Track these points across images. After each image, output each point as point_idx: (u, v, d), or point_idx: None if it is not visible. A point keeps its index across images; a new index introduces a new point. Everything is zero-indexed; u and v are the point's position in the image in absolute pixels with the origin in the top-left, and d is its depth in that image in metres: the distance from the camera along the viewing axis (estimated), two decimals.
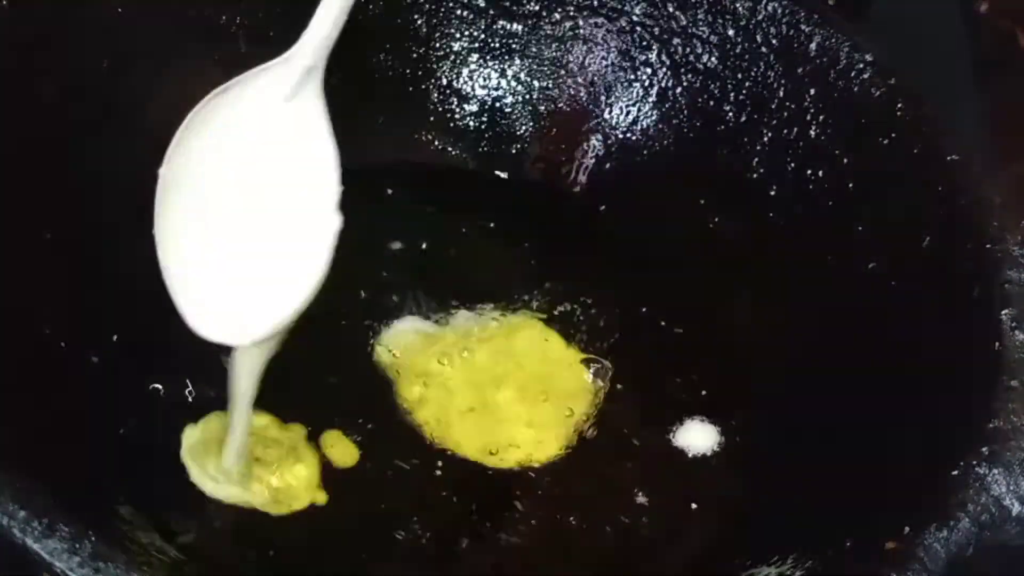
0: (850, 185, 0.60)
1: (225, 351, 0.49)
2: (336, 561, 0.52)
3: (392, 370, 0.59)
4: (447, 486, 0.55)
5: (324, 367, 0.58)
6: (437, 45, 0.71)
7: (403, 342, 0.61)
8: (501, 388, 0.59)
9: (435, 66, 0.71)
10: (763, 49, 0.64)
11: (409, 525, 0.53)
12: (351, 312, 0.61)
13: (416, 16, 0.70)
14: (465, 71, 0.72)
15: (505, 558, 0.53)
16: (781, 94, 0.63)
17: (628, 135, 0.70)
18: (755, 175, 0.65)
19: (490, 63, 0.72)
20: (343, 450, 0.55)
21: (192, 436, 0.54)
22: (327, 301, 0.47)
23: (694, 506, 0.56)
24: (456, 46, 0.71)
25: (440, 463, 0.56)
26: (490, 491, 0.55)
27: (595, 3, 0.69)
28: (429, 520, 0.53)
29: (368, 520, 0.53)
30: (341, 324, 0.61)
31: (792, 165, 0.63)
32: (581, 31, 0.70)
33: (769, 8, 0.63)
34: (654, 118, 0.69)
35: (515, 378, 0.60)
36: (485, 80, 0.72)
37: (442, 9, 0.70)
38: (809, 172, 0.62)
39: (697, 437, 0.59)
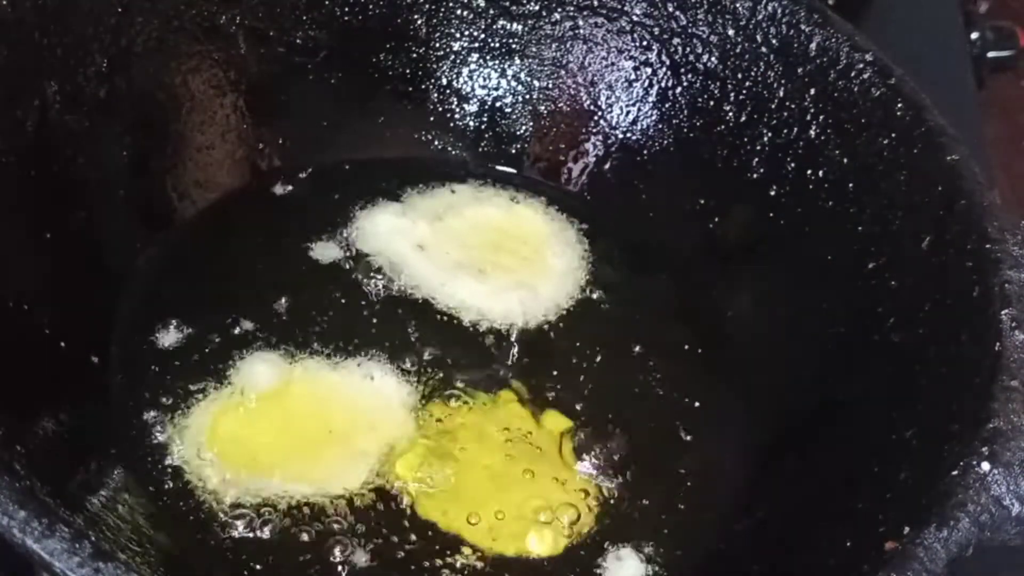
0: (850, 185, 0.60)
1: None
2: None
3: None
4: None
5: None
6: (437, 45, 0.71)
7: None
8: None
9: (435, 66, 0.71)
10: (763, 49, 0.64)
11: None
12: None
13: (416, 16, 0.70)
14: (465, 71, 0.72)
15: None
16: (781, 94, 0.63)
17: (628, 135, 0.70)
18: (755, 175, 0.65)
19: (490, 63, 0.72)
20: None
21: (206, 433, 0.54)
22: None
23: None
24: (456, 46, 0.71)
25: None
26: None
27: (595, 3, 0.69)
28: None
29: None
30: None
31: (792, 165, 0.63)
32: (581, 31, 0.70)
33: (769, 8, 0.63)
34: (654, 118, 0.69)
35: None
36: (485, 80, 0.72)
37: (442, 9, 0.70)
38: (809, 172, 0.62)
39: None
